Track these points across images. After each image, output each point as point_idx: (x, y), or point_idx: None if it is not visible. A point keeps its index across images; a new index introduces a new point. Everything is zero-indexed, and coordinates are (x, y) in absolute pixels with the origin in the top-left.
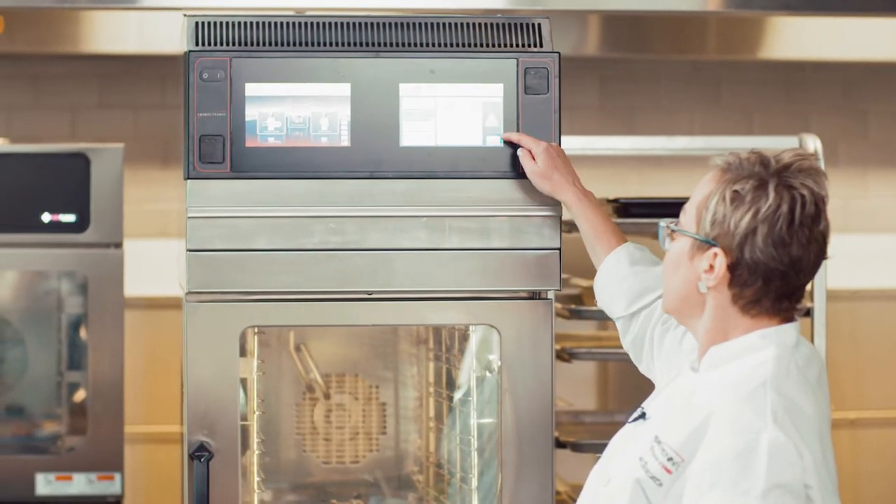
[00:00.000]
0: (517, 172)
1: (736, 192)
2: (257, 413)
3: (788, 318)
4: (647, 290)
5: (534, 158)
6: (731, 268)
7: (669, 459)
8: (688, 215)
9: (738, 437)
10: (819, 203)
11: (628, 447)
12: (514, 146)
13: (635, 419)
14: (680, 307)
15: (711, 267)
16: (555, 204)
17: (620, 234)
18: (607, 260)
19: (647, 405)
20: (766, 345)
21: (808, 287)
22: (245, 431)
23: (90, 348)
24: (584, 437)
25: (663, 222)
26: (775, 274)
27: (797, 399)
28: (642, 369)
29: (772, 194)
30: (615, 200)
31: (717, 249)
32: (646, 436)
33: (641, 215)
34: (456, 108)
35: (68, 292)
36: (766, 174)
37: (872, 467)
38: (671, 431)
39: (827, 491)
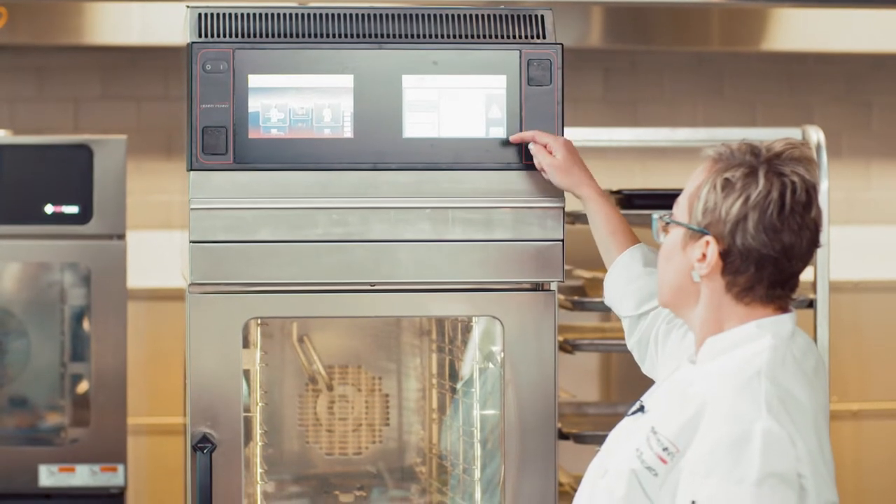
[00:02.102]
0: (521, 163)
1: (727, 179)
2: (260, 404)
3: (783, 307)
4: (656, 293)
5: (550, 152)
6: (724, 255)
7: (665, 449)
8: (680, 206)
9: (733, 426)
10: (810, 190)
11: (627, 440)
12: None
13: (634, 412)
14: (674, 298)
15: (704, 255)
16: (558, 195)
17: (634, 235)
18: (621, 258)
19: (646, 398)
20: (761, 335)
21: (812, 279)
22: (248, 423)
23: (93, 340)
24: (587, 428)
25: (656, 214)
26: (767, 260)
27: (792, 388)
28: (645, 369)
29: (762, 181)
30: (619, 192)
31: (708, 237)
32: (644, 428)
33: (645, 207)
34: (459, 99)
35: (71, 284)
36: (756, 162)
37: (875, 458)
38: (667, 422)
39: (821, 480)
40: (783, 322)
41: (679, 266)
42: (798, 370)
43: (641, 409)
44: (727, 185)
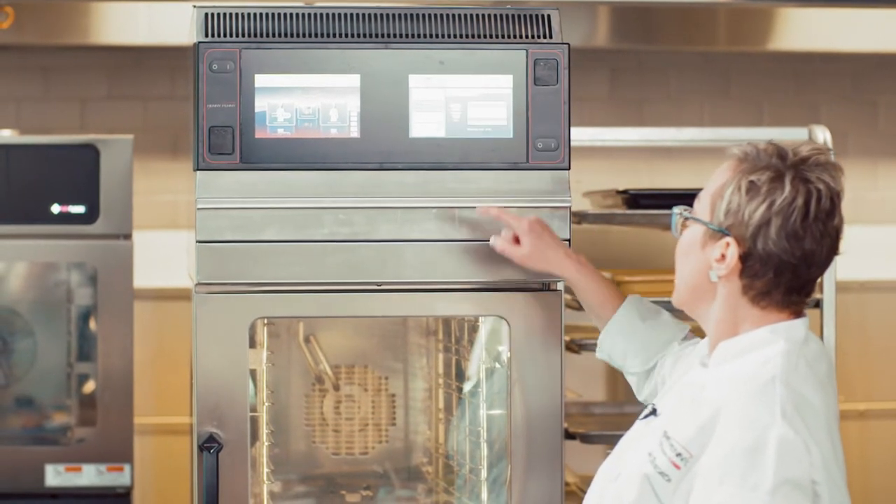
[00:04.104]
0: (527, 163)
1: (752, 182)
2: (267, 404)
3: (798, 311)
4: (662, 345)
5: (516, 240)
6: (743, 258)
7: (678, 455)
8: (702, 204)
9: (747, 432)
10: (834, 198)
11: (639, 443)
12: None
13: (646, 416)
14: (690, 296)
15: (723, 256)
16: (564, 195)
17: (619, 292)
18: (616, 318)
19: (659, 402)
20: (775, 339)
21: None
22: (254, 423)
23: (100, 339)
24: (594, 428)
25: (677, 209)
26: (787, 267)
27: (806, 394)
28: None
29: (788, 187)
30: (625, 192)
31: (729, 239)
32: (656, 432)
33: (651, 206)
34: (465, 99)
35: (78, 283)
36: (782, 166)
37: (881, 458)
38: (680, 427)
39: (835, 486)
40: (796, 327)
41: (697, 264)
42: (811, 375)
43: (654, 412)
44: (752, 187)
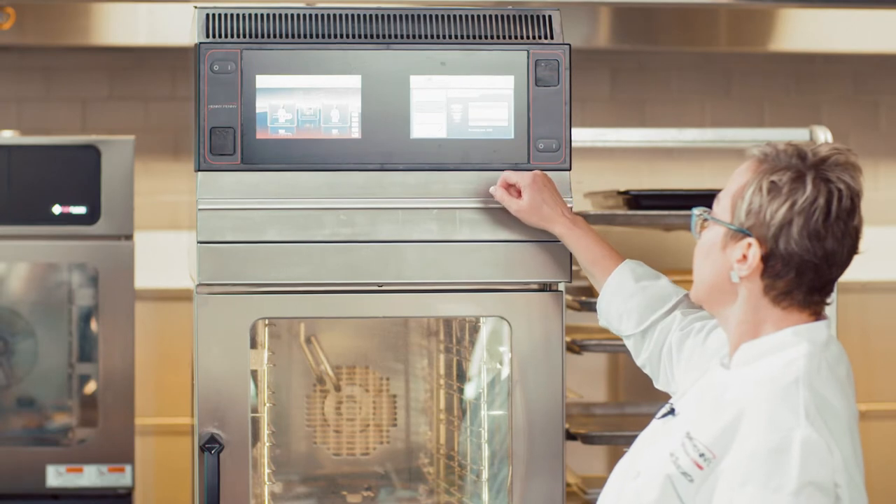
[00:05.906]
0: (528, 164)
1: (773, 182)
2: (268, 405)
3: (818, 311)
4: (657, 304)
5: (518, 194)
6: (765, 259)
7: (701, 455)
8: (721, 205)
9: (772, 433)
10: (854, 198)
11: (657, 442)
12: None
13: (664, 415)
14: (709, 296)
15: (745, 257)
16: (566, 196)
17: (616, 254)
18: (611, 279)
19: (676, 401)
20: (797, 341)
21: None
22: (255, 423)
23: (101, 340)
24: (595, 429)
25: (696, 210)
26: (808, 266)
27: (828, 396)
28: (660, 385)
29: (809, 187)
30: (626, 192)
31: (751, 239)
32: (676, 431)
33: (652, 207)
34: (466, 100)
35: (79, 284)
36: (803, 167)
37: (882, 459)
38: (703, 427)
39: (855, 488)
40: (818, 329)
41: (717, 265)
42: (832, 377)
43: (672, 411)
44: (773, 188)
